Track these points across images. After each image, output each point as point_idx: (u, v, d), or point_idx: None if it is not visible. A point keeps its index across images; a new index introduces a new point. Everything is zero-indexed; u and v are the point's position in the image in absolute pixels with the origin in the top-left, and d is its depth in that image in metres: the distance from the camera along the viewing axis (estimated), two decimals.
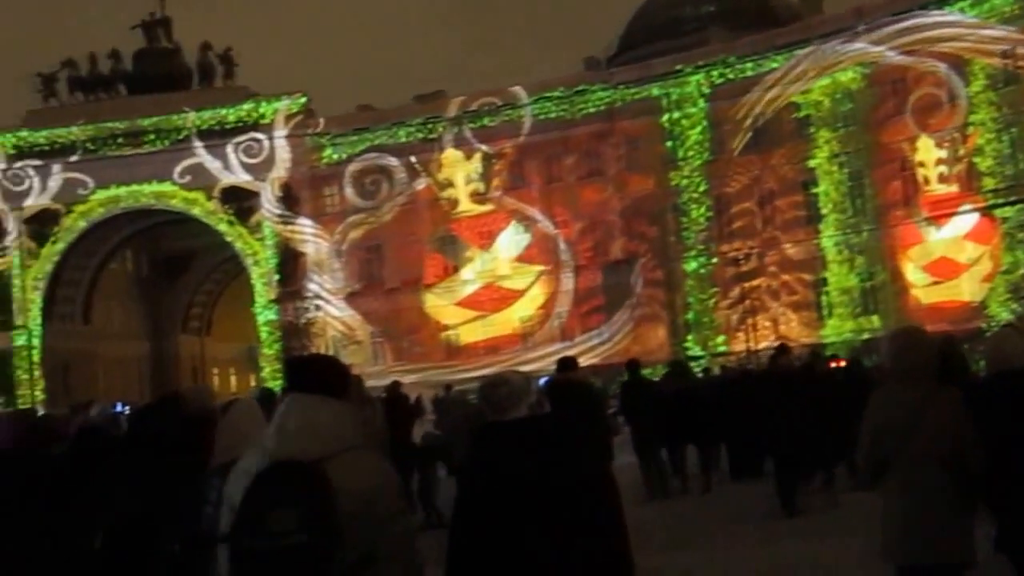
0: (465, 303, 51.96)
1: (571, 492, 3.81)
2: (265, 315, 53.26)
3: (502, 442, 3.86)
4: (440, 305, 52.19)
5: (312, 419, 3.30)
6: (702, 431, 15.11)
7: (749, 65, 47.83)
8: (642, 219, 50.26)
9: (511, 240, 51.97)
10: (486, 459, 3.91)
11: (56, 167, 53.84)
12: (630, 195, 50.28)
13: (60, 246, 54.73)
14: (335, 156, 52.77)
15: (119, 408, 36.82)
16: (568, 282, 51.26)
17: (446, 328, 52.19)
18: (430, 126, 52.20)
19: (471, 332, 51.75)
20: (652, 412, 14.26)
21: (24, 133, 54.38)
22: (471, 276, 52.29)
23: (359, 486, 3.23)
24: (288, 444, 3.25)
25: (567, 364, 10.42)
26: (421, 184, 52.28)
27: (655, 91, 49.62)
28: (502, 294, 51.44)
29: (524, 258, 51.74)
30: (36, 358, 54.62)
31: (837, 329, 45.66)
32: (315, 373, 3.43)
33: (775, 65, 47.08)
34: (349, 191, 52.70)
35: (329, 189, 53.41)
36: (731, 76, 48.27)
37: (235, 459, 3.99)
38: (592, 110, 50.78)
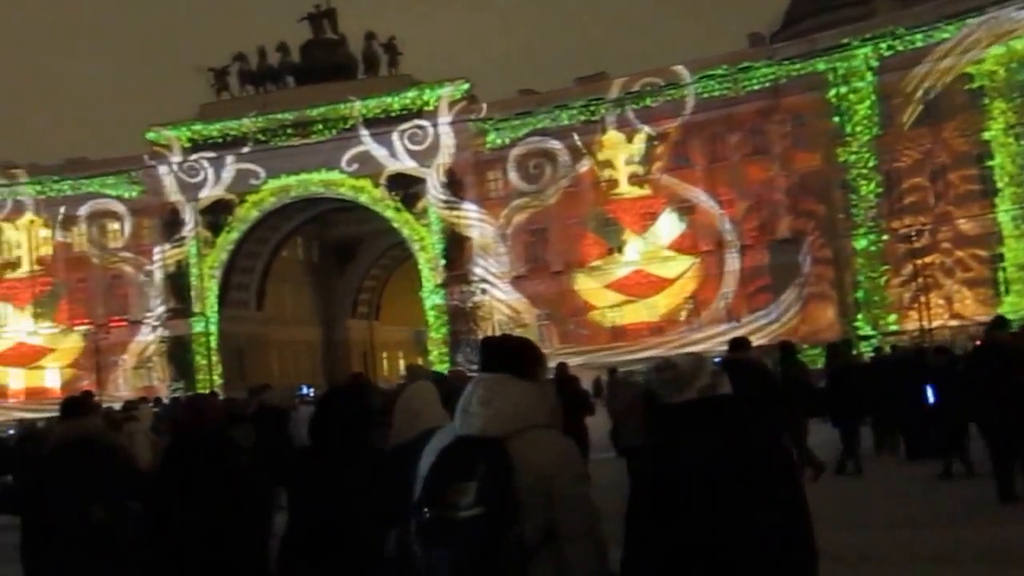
0: (618, 286, 57.02)
1: (750, 474, 3.86)
2: (432, 299, 59.91)
3: (675, 425, 3.97)
4: (594, 288, 57.45)
5: (496, 397, 3.77)
6: (853, 412, 16.03)
7: (919, 36, 50.84)
8: (809, 196, 54.09)
9: (672, 221, 56.73)
10: (660, 442, 4.04)
11: (229, 159, 61.71)
12: (796, 172, 54.20)
13: (234, 235, 62.69)
14: (498, 141, 58.84)
15: (304, 390, 43.74)
16: (734, 262, 55.60)
17: (610, 311, 57.75)
18: (592, 108, 57.48)
19: (634, 314, 57.19)
20: (803, 394, 14.88)
21: (198, 126, 62.51)
22: (631, 258, 57.55)
23: (540, 463, 3.67)
24: (472, 421, 3.76)
25: (740, 344, 11.35)
26: (584, 166, 57.70)
27: (821, 66, 53.28)
28: (654, 278, 56.11)
29: (686, 238, 56.41)
30: (213, 343, 62.75)
31: (1015, 306, 47.70)
32: (505, 353, 3.95)
33: (946, 35, 50.03)
34: (513, 175, 58.77)
35: (493, 173, 59.58)
36: (900, 48, 51.46)
37: (410, 440, 4.85)
38: (756, 87, 54.88)
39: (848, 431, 15.93)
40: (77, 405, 7.79)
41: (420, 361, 67.16)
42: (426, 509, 3.64)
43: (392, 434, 5.73)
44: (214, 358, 62.58)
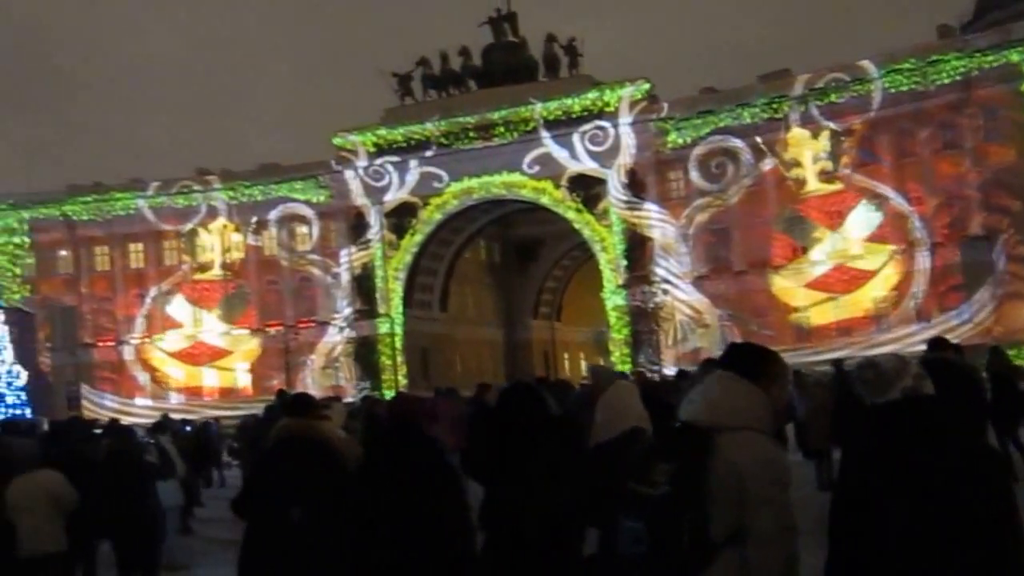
0: (815, 285, 63.48)
1: (958, 477, 4.07)
2: (613, 300, 67.79)
3: (878, 427, 4.26)
4: (788, 287, 64.20)
5: (715, 391, 4.52)
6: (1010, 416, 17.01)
7: None
8: (1003, 192, 58.80)
9: (862, 219, 62.55)
10: (863, 445, 4.34)
11: (413, 162, 71.42)
12: (990, 167, 59.10)
13: (418, 237, 72.43)
14: (680, 140, 66.31)
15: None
16: (924, 260, 60.99)
17: (795, 310, 64.23)
18: (775, 105, 64.05)
19: (821, 314, 63.86)
20: (1012, 397, 16.07)
21: (383, 131, 72.48)
22: (820, 257, 63.70)
23: (740, 461, 4.25)
24: (688, 408, 4.52)
25: (941, 343, 11.87)
26: (767, 165, 64.39)
27: (1015, 57, 58.24)
28: (853, 275, 62.35)
29: (875, 237, 62.18)
30: (398, 344, 72.63)
31: None
32: (740, 355, 4.73)
33: None
34: (694, 174, 66.20)
35: (674, 173, 67.16)
36: None
37: (613, 438, 6.00)
38: (947, 80, 60.07)
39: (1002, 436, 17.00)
40: (303, 403, 8.50)
41: (602, 362, 76.37)
42: (630, 483, 4.52)
43: (594, 432, 6.49)
44: (399, 358, 72.01)
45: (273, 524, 7.58)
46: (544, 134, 68.39)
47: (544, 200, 69.29)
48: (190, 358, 75.83)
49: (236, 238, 75.96)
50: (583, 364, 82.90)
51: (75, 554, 10.86)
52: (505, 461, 6.71)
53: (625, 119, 67.04)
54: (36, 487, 9.99)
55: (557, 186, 68.53)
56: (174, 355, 75.88)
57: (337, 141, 72.88)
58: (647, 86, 67.28)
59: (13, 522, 9.92)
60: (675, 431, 4.52)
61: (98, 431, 16.03)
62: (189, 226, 75.82)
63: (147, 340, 76.40)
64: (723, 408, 4.51)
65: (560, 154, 68.20)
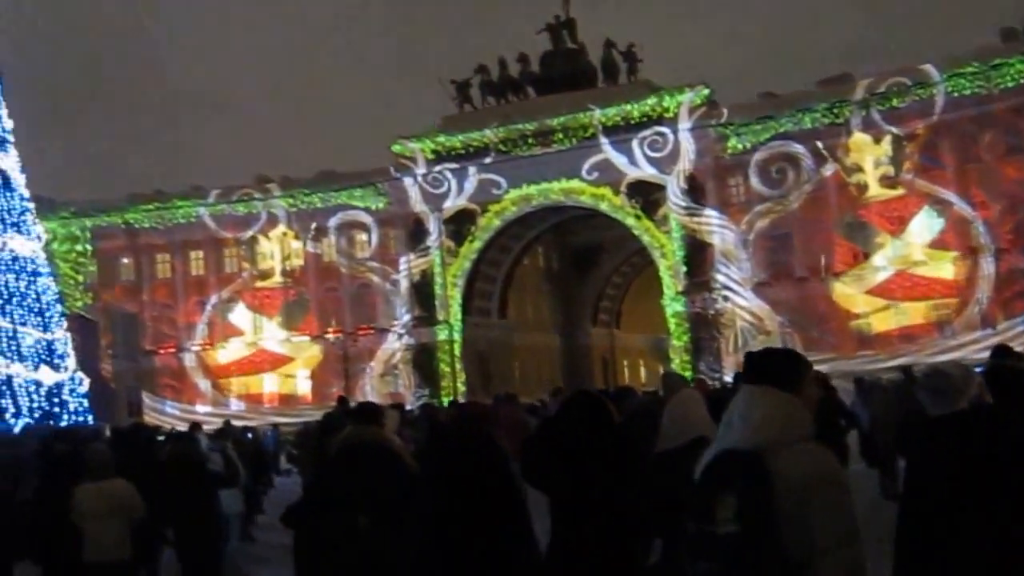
0: (876, 291, 63.09)
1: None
2: (673, 306, 67.80)
3: (947, 436, 4.24)
4: (850, 293, 63.83)
5: (754, 410, 4.35)
6: None
7: None
8: None
9: (924, 224, 62.10)
10: (931, 455, 4.30)
11: (472, 169, 71.68)
12: None
13: (477, 244, 72.64)
14: (739, 146, 66.13)
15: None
16: (988, 266, 60.28)
17: (857, 317, 64.00)
18: (836, 110, 63.77)
19: (883, 321, 63.44)
20: None
21: (442, 138, 72.90)
22: (882, 263, 63.20)
23: (798, 476, 4.14)
24: (731, 434, 4.35)
25: (1003, 352, 11.80)
26: (828, 170, 64.03)
27: None
28: (915, 281, 62.02)
29: (938, 243, 61.65)
30: (457, 351, 72.94)
31: None
32: (766, 365, 4.54)
33: None
34: (755, 180, 66.02)
35: (734, 179, 67.03)
36: None
37: (679, 447, 5.85)
38: (1011, 84, 59.44)
39: None
40: (368, 411, 8.70)
41: (661, 369, 76.20)
42: (691, 523, 4.21)
43: (659, 440, 6.42)
44: (458, 365, 72.44)
45: (338, 532, 7.58)
46: (603, 140, 68.42)
47: (603, 206, 69.30)
48: (250, 365, 76.55)
49: (296, 245, 76.56)
50: (643, 371, 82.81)
51: (139, 561, 10.98)
52: (568, 469, 6.68)
53: (684, 125, 66.97)
54: (105, 494, 10.13)
55: (616, 192, 68.51)
56: (234, 362, 76.58)
57: (396, 148, 73.29)
58: (707, 91, 67.17)
59: (81, 527, 10.07)
60: (722, 460, 4.35)
61: (161, 438, 16.20)
62: (249, 233, 76.54)
63: (208, 347, 77.21)
64: (766, 427, 4.36)
65: (619, 160, 68.20)
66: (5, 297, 43.94)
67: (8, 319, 43.65)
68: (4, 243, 44.29)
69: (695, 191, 66.72)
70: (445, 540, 6.74)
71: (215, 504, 12.10)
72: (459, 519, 6.70)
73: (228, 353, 76.91)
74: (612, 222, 70.21)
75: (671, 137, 67.04)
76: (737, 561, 4.03)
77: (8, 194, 45.37)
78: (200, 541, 11.58)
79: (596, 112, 68.36)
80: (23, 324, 44.04)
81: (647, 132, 67.41)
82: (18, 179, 46.30)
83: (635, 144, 67.59)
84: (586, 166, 68.82)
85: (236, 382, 76.58)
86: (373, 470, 7.67)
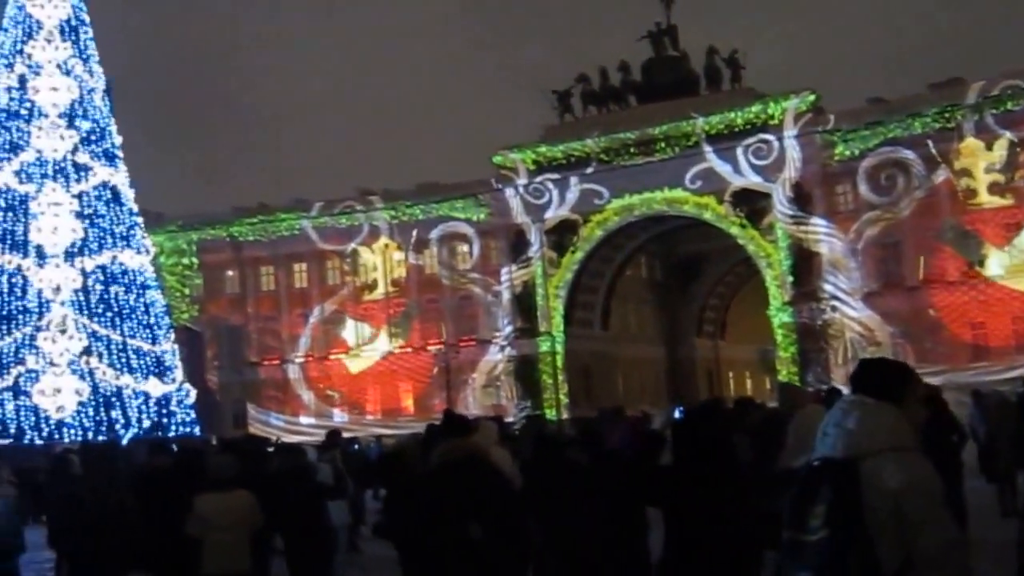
0: (990, 300, 61.82)
1: None
2: (780, 317, 67.07)
3: None
4: (963, 303, 62.57)
5: (850, 419, 4.43)
6: None
7: None
8: None
9: None
10: None
11: (573, 179, 71.70)
12: None
13: (579, 255, 72.62)
14: (847, 152, 65.23)
15: (677, 414, 50.88)
16: None
17: (970, 327, 62.79)
18: (947, 115, 62.63)
19: (998, 331, 61.50)
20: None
21: (543, 148, 73.05)
22: (996, 271, 61.88)
23: (892, 485, 4.18)
24: (826, 442, 4.44)
25: None
26: (940, 176, 62.67)
27: None
28: (1019, 294, 61.20)
29: None
30: (559, 363, 73.00)
31: None
32: (865, 376, 4.63)
33: None
34: (863, 187, 64.91)
35: (842, 187, 66.06)
36: None
37: (800, 465, 5.39)
38: None
39: None
40: (461, 424, 8.98)
41: (767, 382, 75.53)
42: (786, 530, 4.29)
43: (783, 456, 6.51)
44: (560, 377, 72.68)
45: (450, 544, 7.62)
46: (706, 149, 68.07)
47: (707, 216, 68.93)
48: (353, 377, 77.30)
49: (397, 257, 77.26)
50: (749, 383, 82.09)
51: (254, 572, 11.17)
52: (686, 482, 6.65)
53: (790, 132, 66.37)
54: (228, 505, 10.32)
55: (720, 201, 68.10)
56: (338, 374, 77.45)
57: (497, 159, 73.65)
58: (812, 97, 66.53)
59: (200, 538, 10.28)
60: (815, 468, 4.39)
61: (270, 449, 16.48)
62: (351, 246, 77.44)
63: (311, 359, 78.21)
64: (859, 436, 4.39)
65: (723, 169, 67.79)
66: (115, 310, 45.08)
67: (118, 332, 44.76)
68: (114, 257, 45.45)
69: (801, 199, 66.00)
70: (561, 550, 6.86)
71: (325, 515, 12.19)
72: (574, 531, 6.84)
73: (331, 365, 77.72)
74: (716, 231, 69.75)
75: (776, 144, 66.44)
76: (828, 569, 4.06)
77: (118, 209, 46.57)
78: (310, 552, 11.76)
79: (699, 120, 68.01)
80: (132, 337, 45.12)
81: (751, 140, 66.91)
82: (128, 194, 47.52)
83: (739, 152, 67.13)
84: (689, 175, 68.46)
85: (338, 394, 77.32)
86: (475, 482, 7.71)
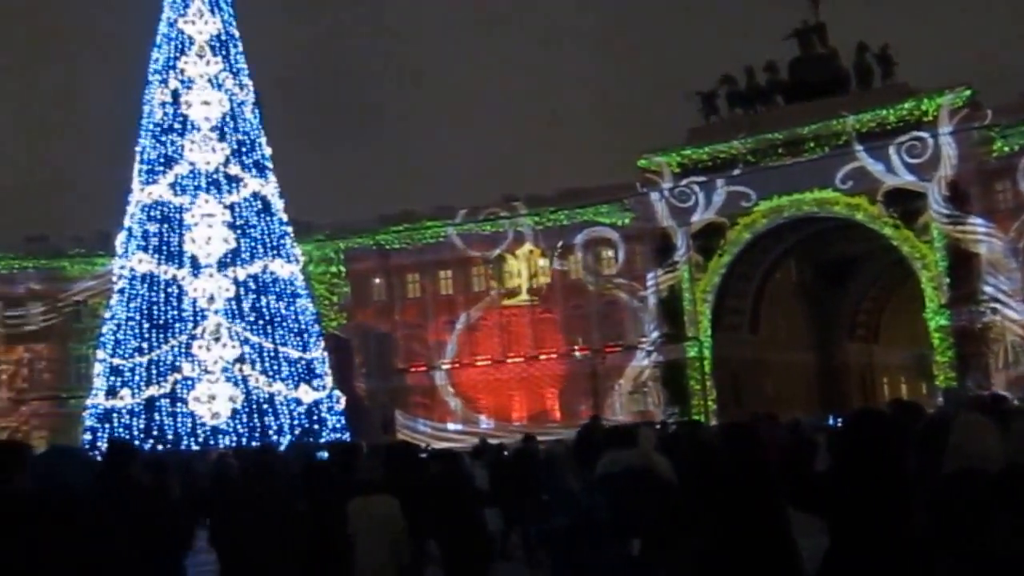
0: None
1: None
2: (936, 320, 65.28)
3: None
4: None
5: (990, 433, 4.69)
6: None
7: None
8: None
9: None
10: None
11: (719, 182, 70.95)
12: None
13: (726, 259, 71.82)
14: (1006, 148, 63.20)
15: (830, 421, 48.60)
16: None
17: None
18: None
19: None
20: None
21: (688, 151, 72.55)
22: None
23: None
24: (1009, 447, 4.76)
25: None
26: None
27: None
28: None
29: None
30: (707, 369, 72.55)
31: None
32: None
33: None
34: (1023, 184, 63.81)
35: (1001, 184, 63.96)
36: None
37: (964, 468, 5.69)
38: None
39: None
40: (625, 434, 9.15)
41: (924, 387, 73.67)
42: (972, 543, 4.32)
43: (944, 463, 6.29)
44: (708, 383, 72.14)
45: (608, 558, 7.56)
46: (857, 147, 66.80)
47: (858, 216, 67.62)
48: (499, 383, 77.72)
49: (542, 263, 77.48)
50: (904, 388, 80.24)
51: None
52: (854, 490, 6.51)
53: (945, 128, 64.74)
54: (372, 510, 10.47)
55: (872, 202, 66.73)
56: (484, 380, 77.97)
57: (642, 163, 73.33)
58: (968, 92, 64.83)
59: (353, 541, 10.45)
60: (995, 482, 4.30)
61: (423, 455, 16.64)
62: (496, 252, 77.92)
63: (457, 365, 78.89)
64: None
65: (875, 168, 66.45)
66: (267, 318, 46.12)
67: (270, 340, 45.79)
68: (265, 266, 46.50)
69: (958, 198, 64.27)
70: (720, 560, 6.69)
71: (482, 522, 12.26)
72: (732, 541, 6.69)
73: (477, 371, 78.28)
74: (868, 232, 68.35)
75: (930, 142, 64.93)
76: None
77: (268, 219, 47.64)
78: (468, 558, 11.84)
79: (849, 118, 66.81)
80: (284, 344, 46.09)
81: (904, 137, 65.48)
82: (277, 204, 48.57)
83: (892, 150, 65.75)
84: (840, 175, 67.25)
85: (485, 400, 77.84)
86: (639, 494, 7.72)
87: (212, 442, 43.53)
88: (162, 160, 46.97)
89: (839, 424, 10.69)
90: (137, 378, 45.01)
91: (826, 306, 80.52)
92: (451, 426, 75.84)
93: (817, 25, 71.25)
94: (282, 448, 38.23)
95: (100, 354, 47.72)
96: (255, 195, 47.46)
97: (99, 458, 9.96)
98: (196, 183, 46.53)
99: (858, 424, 6.72)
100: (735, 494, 6.90)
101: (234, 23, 49.88)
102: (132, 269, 46.13)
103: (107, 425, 45.06)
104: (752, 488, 6.93)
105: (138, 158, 47.86)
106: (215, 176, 46.83)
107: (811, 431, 21.16)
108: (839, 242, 75.24)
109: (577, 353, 75.27)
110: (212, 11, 48.99)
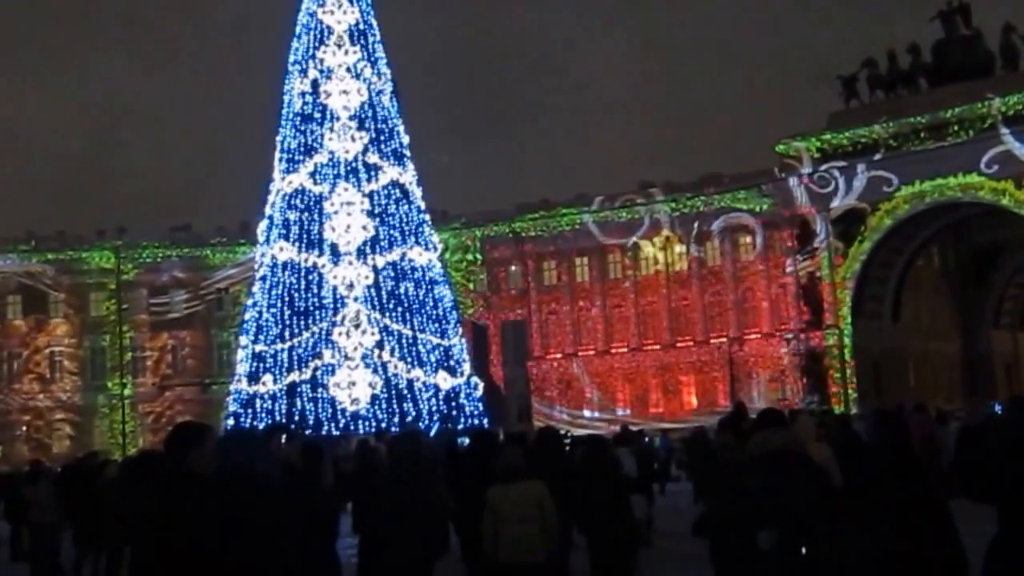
0: None
1: None
2: None
3: None
4: None
5: None
6: None
7: None
8: None
9: None
10: None
11: (860, 167, 69.34)
12: None
13: (867, 245, 70.18)
14: None
15: (996, 408, 46.36)
16: None
17: None
18: None
19: None
20: None
21: (828, 136, 71.05)
22: None
23: None
24: None
25: None
26: None
27: None
28: None
29: None
30: (848, 356, 71.33)
31: None
32: None
33: None
34: None
35: None
36: None
37: None
38: None
39: None
40: (776, 416, 8.83)
41: None
42: None
43: None
44: (848, 372, 70.83)
45: (751, 546, 7.35)
46: (1003, 131, 64.72)
47: (1005, 202, 65.67)
48: (635, 370, 77.38)
49: (679, 250, 76.83)
50: None
51: (552, 563, 11.16)
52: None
53: None
54: (518, 496, 10.38)
55: (1019, 186, 64.75)
56: (620, 367, 77.67)
57: (780, 148, 72.19)
58: None
59: (497, 528, 10.38)
60: None
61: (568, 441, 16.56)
62: (633, 239, 77.46)
63: (593, 352, 78.70)
64: None
65: (1022, 152, 64.33)
66: (405, 305, 46.54)
67: (409, 326, 46.20)
68: (404, 254, 46.92)
69: None
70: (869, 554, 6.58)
71: (628, 508, 12.09)
72: (889, 535, 6.55)
73: (614, 359, 78.00)
74: (1015, 218, 66.26)
75: None
76: None
77: (407, 206, 48.06)
78: (614, 545, 11.72)
79: (995, 101, 64.75)
80: (422, 331, 46.46)
81: None
82: (415, 192, 48.95)
83: None
84: (985, 159, 65.31)
85: (622, 387, 77.54)
86: (788, 479, 7.36)
87: (352, 428, 44.10)
88: (302, 149, 47.70)
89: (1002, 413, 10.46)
90: (279, 364, 45.80)
91: (970, 294, 78.34)
92: (587, 413, 75.79)
93: (961, 6, 69.13)
94: (433, 434, 38.54)
95: (243, 340, 48.71)
96: (394, 183, 47.92)
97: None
98: (335, 172, 47.16)
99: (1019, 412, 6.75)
100: (903, 490, 6.74)
101: (372, 12, 50.40)
102: (273, 257, 46.95)
103: (250, 410, 45.96)
104: (919, 483, 6.76)
105: (279, 148, 48.71)
106: (354, 164, 47.39)
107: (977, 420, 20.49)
108: (984, 228, 73.23)
109: (714, 340, 74.47)
110: (351, 1, 49.52)
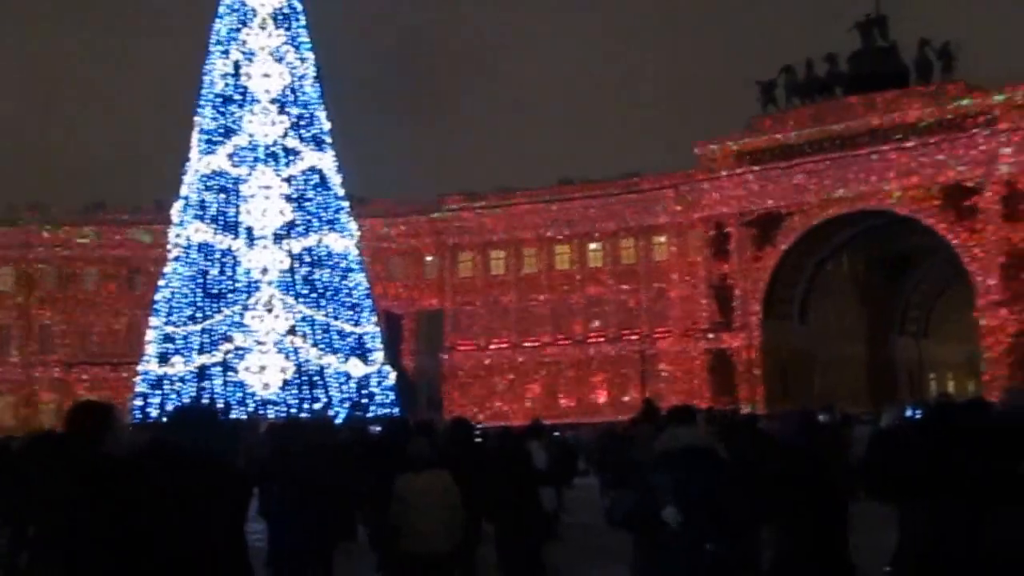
0: None
1: None
2: (987, 318, 65.01)
3: None
4: None
5: None
6: None
7: None
8: None
9: None
10: None
11: (775, 172, 69.44)
12: None
13: (779, 248, 70.35)
14: None
15: (908, 413, 49.20)
16: None
17: None
18: None
19: None
20: None
21: (745, 139, 71.07)
22: None
23: None
24: None
25: None
26: None
27: None
28: None
29: None
30: (756, 357, 71.88)
31: None
32: None
33: None
34: None
35: None
36: None
37: None
38: None
39: None
40: (686, 412, 8.65)
41: (971, 385, 72.66)
42: None
43: None
44: (756, 372, 71.37)
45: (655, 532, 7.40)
46: (915, 142, 65.71)
47: (914, 212, 66.50)
48: (547, 364, 77.62)
49: (594, 247, 77.34)
50: (951, 385, 79.41)
51: (457, 554, 11.08)
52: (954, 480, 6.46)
53: (1005, 126, 63.51)
54: (425, 486, 10.30)
55: (929, 197, 65.63)
56: (534, 360, 77.82)
57: (698, 150, 72.73)
58: None
59: (403, 517, 10.26)
60: None
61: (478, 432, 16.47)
62: (549, 234, 77.78)
63: (506, 345, 78.62)
64: None
65: (932, 164, 65.29)
66: (320, 291, 46.17)
67: (323, 312, 45.86)
68: (320, 240, 46.54)
69: (1014, 197, 63.11)
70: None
71: (538, 500, 12.11)
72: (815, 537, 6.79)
73: (528, 351, 78.05)
74: (924, 228, 67.09)
75: (989, 139, 63.77)
76: None
77: (325, 192, 47.66)
78: (521, 537, 11.67)
79: (908, 113, 65.97)
80: (336, 318, 46.14)
81: (961, 134, 64.44)
82: (334, 179, 48.56)
83: (945, 146, 64.79)
84: (897, 169, 66.29)
85: (531, 381, 77.69)
86: (700, 472, 7.44)
87: (261, 412, 43.67)
88: (221, 131, 47.10)
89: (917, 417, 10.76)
90: (189, 346, 45.22)
91: (878, 300, 79.52)
92: (498, 404, 75.85)
93: (879, 18, 70.15)
94: (338, 421, 38.30)
95: (153, 321, 47.92)
96: (312, 169, 47.50)
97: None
98: (255, 155, 46.63)
99: (944, 416, 6.89)
100: (815, 490, 6.90)
101: None
102: (188, 238, 46.32)
103: (158, 392, 45.33)
104: (829, 483, 6.97)
105: (197, 128, 47.99)
106: (273, 148, 46.92)
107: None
108: (894, 237, 74.15)
109: (626, 338, 74.88)
110: None
